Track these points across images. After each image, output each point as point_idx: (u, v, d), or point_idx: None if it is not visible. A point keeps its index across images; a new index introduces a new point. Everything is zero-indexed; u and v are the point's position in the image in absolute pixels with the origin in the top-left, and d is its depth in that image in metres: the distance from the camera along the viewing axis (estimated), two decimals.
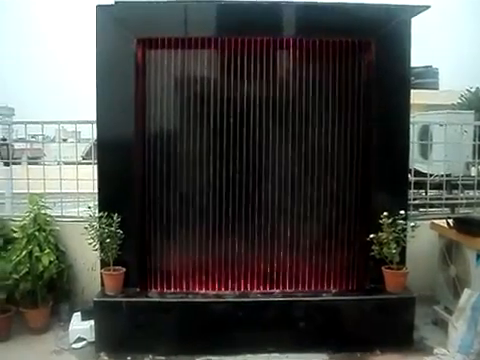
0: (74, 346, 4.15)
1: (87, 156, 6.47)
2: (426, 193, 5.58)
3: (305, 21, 4.25)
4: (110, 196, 4.26)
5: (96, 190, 4.36)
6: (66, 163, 5.24)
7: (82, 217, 4.74)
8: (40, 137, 6.06)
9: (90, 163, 4.92)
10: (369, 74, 4.31)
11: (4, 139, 5.76)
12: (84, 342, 4.17)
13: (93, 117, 4.35)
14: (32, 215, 4.57)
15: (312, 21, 4.20)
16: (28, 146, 5.81)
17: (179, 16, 4.20)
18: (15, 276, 4.29)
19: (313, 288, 4.40)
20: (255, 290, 4.37)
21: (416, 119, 5.85)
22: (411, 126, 4.70)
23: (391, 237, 4.01)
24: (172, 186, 4.35)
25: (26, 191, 4.98)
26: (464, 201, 5.56)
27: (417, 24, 4.32)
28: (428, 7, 4.17)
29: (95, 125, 4.35)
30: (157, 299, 4.20)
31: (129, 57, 4.20)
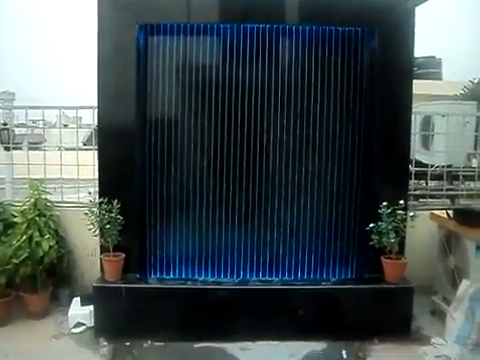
0: (73, 331, 4.17)
1: (88, 142, 6.45)
2: (426, 184, 5.58)
3: (309, 9, 4.22)
4: (110, 182, 4.25)
5: (96, 176, 4.36)
6: (67, 149, 5.22)
7: (82, 203, 4.75)
8: (41, 122, 6.03)
9: (91, 149, 4.91)
10: (372, 63, 4.28)
11: (5, 124, 5.70)
12: (83, 327, 4.19)
13: (94, 103, 4.34)
14: (32, 200, 4.57)
15: (315, 9, 4.18)
16: (29, 131, 5.79)
17: (181, 1, 4.17)
18: (15, 261, 4.30)
19: (312, 276, 4.41)
20: (254, 278, 4.38)
21: (418, 109, 5.81)
22: (413, 116, 4.67)
23: (390, 227, 4.01)
24: (172, 172, 4.34)
25: (26, 176, 4.98)
26: (464, 192, 5.56)
27: (421, 14, 4.30)
28: None
29: (96, 111, 4.33)
30: (156, 285, 4.22)
31: (131, 42, 4.17)
